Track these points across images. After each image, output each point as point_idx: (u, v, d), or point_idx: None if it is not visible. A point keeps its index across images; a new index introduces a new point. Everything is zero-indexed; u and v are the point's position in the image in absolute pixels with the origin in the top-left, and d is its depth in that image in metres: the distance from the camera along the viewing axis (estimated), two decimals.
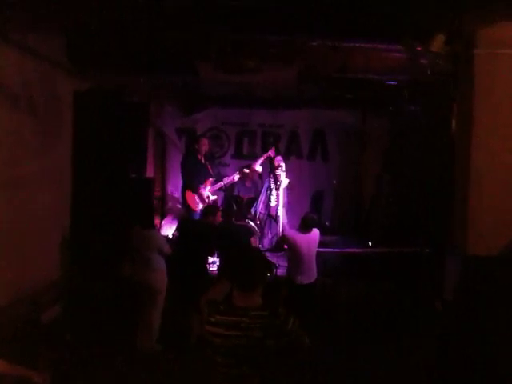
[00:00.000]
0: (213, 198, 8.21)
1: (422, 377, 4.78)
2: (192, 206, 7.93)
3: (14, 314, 5.00)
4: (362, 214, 9.70)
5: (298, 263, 5.82)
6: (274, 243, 7.66)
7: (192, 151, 8.40)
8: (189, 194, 8.01)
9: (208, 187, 8.10)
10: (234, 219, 7.21)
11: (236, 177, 8.31)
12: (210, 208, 6.50)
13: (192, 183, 8.02)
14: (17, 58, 5.15)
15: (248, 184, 8.97)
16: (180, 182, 8.59)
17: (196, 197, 7.99)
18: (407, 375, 4.86)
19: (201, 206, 7.95)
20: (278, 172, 8.32)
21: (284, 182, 8.35)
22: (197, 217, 7.69)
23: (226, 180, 8.28)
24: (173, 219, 9.10)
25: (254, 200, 8.71)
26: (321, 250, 6.75)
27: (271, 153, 8.50)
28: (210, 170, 8.31)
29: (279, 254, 7.16)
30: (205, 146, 8.27)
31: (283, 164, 8.37)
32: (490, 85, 5.06)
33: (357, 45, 5.73)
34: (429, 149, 7.12)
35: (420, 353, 5.11)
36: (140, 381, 4.86)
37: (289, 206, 8.60)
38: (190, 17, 4.94)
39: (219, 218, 6.23)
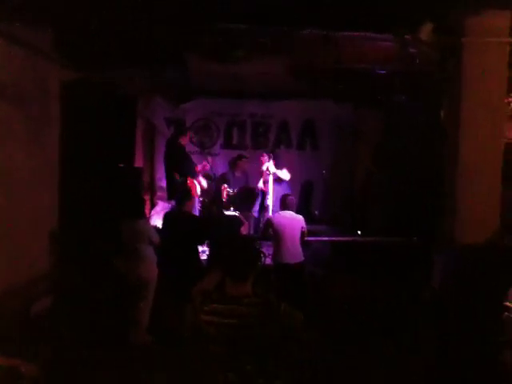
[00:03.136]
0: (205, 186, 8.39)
1: (416, 364, 4.82)
2: (193, 192, 8.03)
3: (4, 307, 4.97)
4: (352, 204, 9.73)
5: (282, 243, 6.04)
6: (261, 230, 7.70)
7: (176, 141, 8.49)
8: (190, 181, 8.12)
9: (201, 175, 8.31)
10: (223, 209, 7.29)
11: (207, 166, 8.50)
12: (184, 196, 6.39)
13: (185, 170, 8.11)
14: (2, 48, 5.06)
15: (238, 174, 9.00)
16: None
17: (196, 183, 8.15)
18: (400, 365, 4.90)
19: (199, 192, 8.19)
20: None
21: (284, 175, 8.55)
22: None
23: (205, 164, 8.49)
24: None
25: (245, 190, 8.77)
26: (310, 238, 6.86)
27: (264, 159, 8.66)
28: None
29: (268, 242, 7.19)
30: (188, 138, 8.63)
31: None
32: (478, 73, 5.09)
33: (347, 34, 5.72)
34: (419, 139, 7.15)
35: (411, 340, 5.16)
36: (132, 373, 4.84)
37: (278, 196, 8.63)
38: (179, 6, 4.91)
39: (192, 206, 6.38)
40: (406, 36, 5.63)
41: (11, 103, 5.26)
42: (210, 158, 8.85)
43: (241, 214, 8.21)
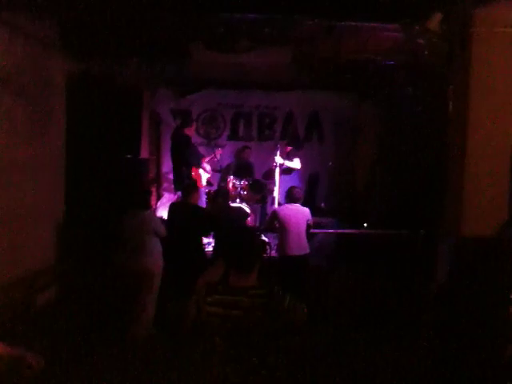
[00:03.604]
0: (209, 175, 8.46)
1: (417, 357, 4.81)
2: (198, 183, 8.09)
3: (10, 297, 4.99)
4: (359, 197, 9.70)
5: (288, 235, 6.02)
6: (266, 222, 7.69)
7: (181, 132, 8.52)
8: (195, 170, 8.14)
9: (206, 165, 8.31)
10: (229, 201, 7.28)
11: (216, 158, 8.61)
12: (191, 187, 6.48)
13: (192, 160, 8.14)
14: (7, 39, 5.03)
15: (243, 165, 9.01)
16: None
17: (201, 172, 8.19)
18: (402, 355, 4.89)
19: (204, 183, 8.24)
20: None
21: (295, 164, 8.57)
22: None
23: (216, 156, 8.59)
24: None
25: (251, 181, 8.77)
26: (315, 230, 6.85)
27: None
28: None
29: (274, 234, 7.20)
30: (194, 129, 8.70)
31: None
32: (486, 64, 5.02)
33: (353, 24, 5.66)
34: (424, 132, 7.10)
35: (415, 334, 5.14)
36: (134, 365, 4.83)
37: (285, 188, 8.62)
38: None
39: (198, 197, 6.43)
40: (415, 26, 5.56)
41: (15, 95, 5.24)
42: (220, 150, 8.88)
43: (247, 205, 8.21)
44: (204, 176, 8.33)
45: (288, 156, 8.66)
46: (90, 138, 6.53)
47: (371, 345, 5.01)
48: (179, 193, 8.39)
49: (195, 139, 9.17)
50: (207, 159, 8.52)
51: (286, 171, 8.63)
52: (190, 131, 8.54)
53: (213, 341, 2.55)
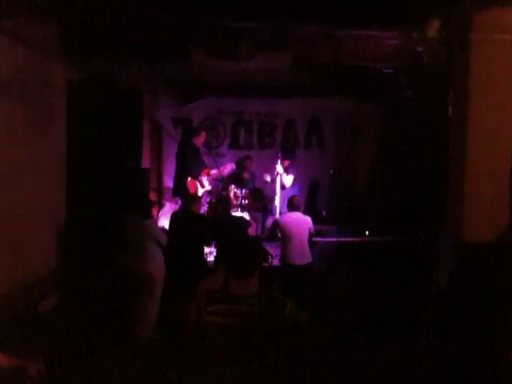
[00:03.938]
0: (208, 188, 8.30)
1: (417, 357, 4.77)
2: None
3: (10, 297, 4.98)
4: (359, 197, 9.65)
5: (290, 244, 5.95)
6: (268, 231, 7.66)
7: (189, 141, 8.48)
8: (191, 181, 8.06)
9: (205, 176, 8.21)
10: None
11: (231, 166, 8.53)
12: (192, 196, 6.47)
13: (193, 171, 8.09)
14: (8, 45, 5.06)
15: (246, 175, 8.99)
16: None
17: (197, 184, 8.10)
18: (403, 359, 4.85)
19: (200, 193, 8.12)
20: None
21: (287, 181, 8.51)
22: None
23: (223, 170, 8.39)
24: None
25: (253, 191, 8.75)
26: (317, 239, 6.83)
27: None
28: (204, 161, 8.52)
29: (275, 244, 7.18)
30: (203, 139, 8.43)
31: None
32: (485, 70, 5.06)
33: (352, 32, 5.69)
34: (424, 132, 7.10)
35: (416, 338, 5.11)
36: (135, 370, 4.80)
37: (285, 196, 8.60)
38: (182, 3, 4.90)
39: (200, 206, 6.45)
40: (414, 33, 5.59)
41: (15, 101, 5.25)
42: (232, 164, 8.85)
43: (248, 214, 8.19)
44: (200, 190, 8.21)
45: (286, 170, 8.59)
46: (91, 141, 6.54)
47: (371, 345, 4.97)
48: (177, 199, 8.38)
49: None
50: (212, 172, 8.44)
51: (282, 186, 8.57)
52: (198, 141, 8.46)
53: (212, 348, 2.54)
